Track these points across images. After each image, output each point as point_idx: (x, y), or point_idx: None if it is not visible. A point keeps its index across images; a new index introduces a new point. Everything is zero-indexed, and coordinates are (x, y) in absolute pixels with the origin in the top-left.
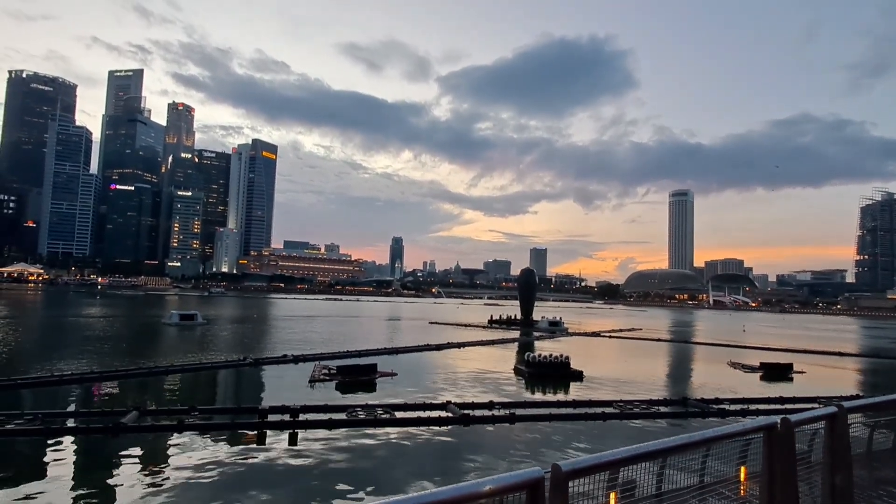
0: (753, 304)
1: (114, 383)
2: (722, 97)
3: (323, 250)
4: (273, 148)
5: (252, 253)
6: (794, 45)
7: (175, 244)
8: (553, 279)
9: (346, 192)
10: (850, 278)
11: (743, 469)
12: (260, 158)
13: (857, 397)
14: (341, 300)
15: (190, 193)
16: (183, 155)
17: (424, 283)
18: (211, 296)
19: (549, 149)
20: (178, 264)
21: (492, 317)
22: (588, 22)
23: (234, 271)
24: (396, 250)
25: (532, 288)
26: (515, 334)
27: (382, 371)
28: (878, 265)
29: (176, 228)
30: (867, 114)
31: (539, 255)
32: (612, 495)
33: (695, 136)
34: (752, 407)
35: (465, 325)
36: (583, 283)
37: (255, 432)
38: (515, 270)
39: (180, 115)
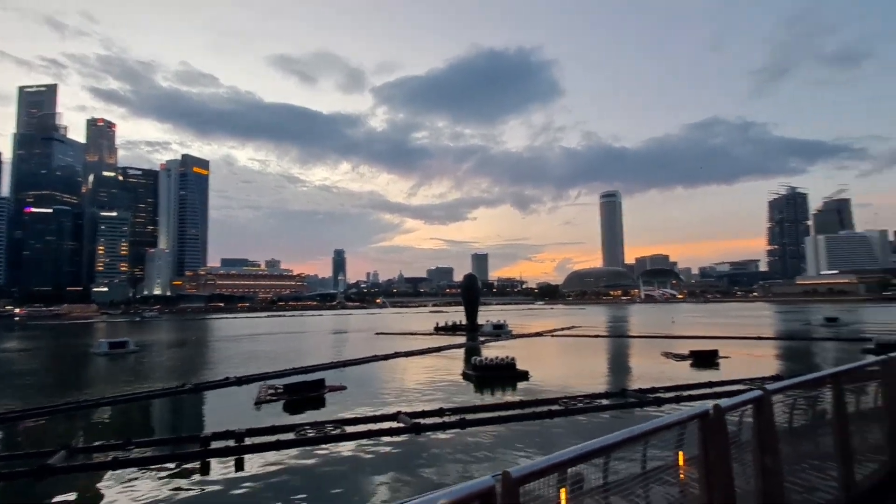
0: (680, 296)
1: (38, 421)
2: (641, 104)
3: (263, 266)
4: (204, 163)
5: (187, 273)
6: (703, 54)
7: (101, 268)
8: (495, 283)
9: (285, 206)
10: (763, 267)
11: (681, 454)
12: (191, 174)
13: (776, 378)
14: (285, 316)
15: (115, 214)
16: (105, 173)
17: (369, 295)
18: (144, 321)
19: (484, 156)
20: (106, 289)
21: (437, 324)
22: (515, 33)
23: (169, 293)
24: (339, 263)
25: (475, 293)
26: (461, 340)
27: (331, 386)
28: (787, 254)
29: (101, 251)
30: (770, 115)
31: (480, 260)
32: (563, 492)
33: (619, 140)
34: (685, 393)
35: (412, 334)
36: (524, 286)
37: (199, 462)
38: (458, 276)
39: (101, 131)
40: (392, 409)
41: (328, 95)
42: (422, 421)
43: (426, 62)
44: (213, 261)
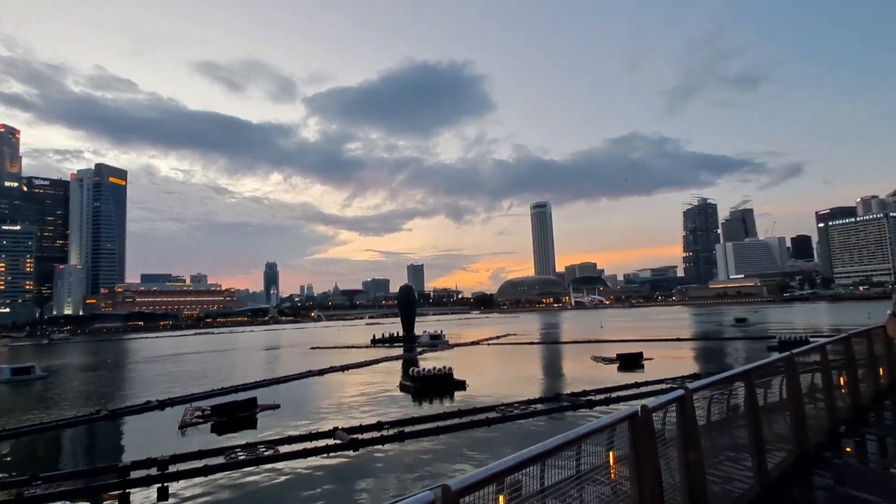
0: (608, 302)
1: None
2: (568, 119)
3: (188, 282)
4: (122, 173)
5: (103, 291)
6: (623, 74)
7: (1, 287)
8: (431, 294)
9: (212, 217)
10: (680, 273)
11: (612, 454)
12: (106, 185)
13: (695, 376)
14: (213, 333)
15: (18, 227)
16: (7, 183)
17: (303, 308)
18: (52, 343)
19: (419, 167)
20: (7, 310)
21: (374, 336)
22: (447, 48)
23: (81, 313)
24: (271, 276)
25: (412, 304)
26: (399, 351)
27: (263, 404)
28: (700, 260)
29: (2, 269)
30: (683, 132)
31: (416, 271)
32: (501, 498)
33: (548, 153)
34: (614, 395)
35: (349, 347)
36: (460, 296)
37: (117, 493)
38: (394, 288)
39: (2, 138)
40: (329, 426)
41: (258, 104)
42: (360, 436)
43: (359, 74)
44: (133, 277)
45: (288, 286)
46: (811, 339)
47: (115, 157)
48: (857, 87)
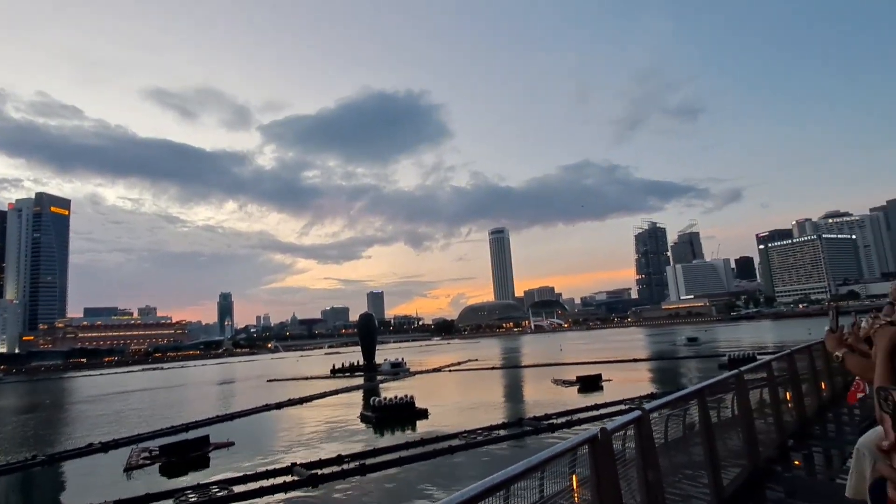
0: (566, 325)
1: None
2: (523, 146)
3: (136, 315)
4: (65, 202)
5: (42, 326)
6: (574, 104)
7: None
8: (392, 321)
9: (162, 248)
10: (634, 295)
11: (574, 478)
12: (48, 215)
13: (652, 396)
14: (163, 369)
15: None
16: None
17: (259, 339)
18: None
19: (377, 195)
20: None
21: (334, 366)
22: (404, 77)
23: (17, 351)
24: (225, 307)
25: (372, 332)
26: (359, 380)
27: (216, 442)
28: (653, 282)
29: None
30: (631, 160)
31: (376, 298)
32: None
33: (504, 179)
34: (575, 417)
35: (307, 378)
36: (420, 322)
37: None
38: (354, 316)
39: None
40: (287, 462)
41: (212, 132)
42: (319, 471)
43: (316, 102)
44: (75, 311)
45: (243, 317)
46: (758, 356)
47: (58, 185)
48: (789, 118)
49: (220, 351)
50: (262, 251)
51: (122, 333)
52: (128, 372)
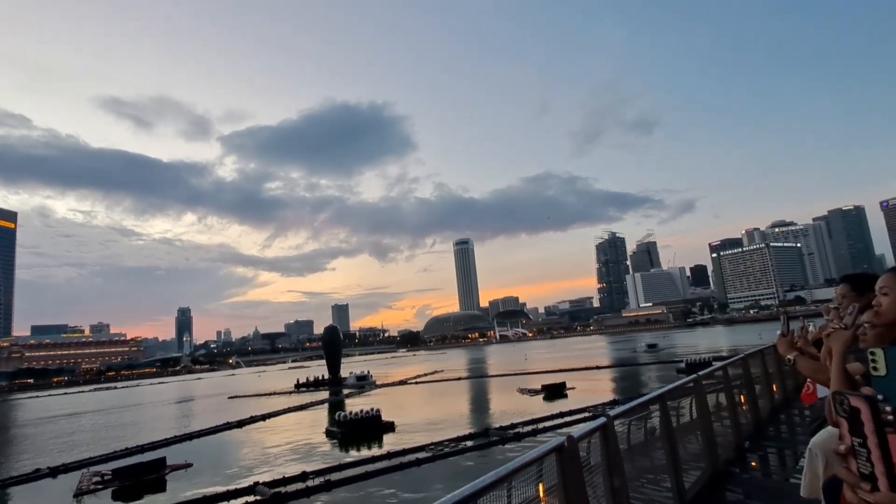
0: (531, 335)
1: None
2: (486, 158)
3: (88, 332)
4: (11, 215)
5: None
6: (535, 116)
7: None
8: (357, 333)
9: (116, 262)
10: (596, 303)
11: (541, 486)
12: None
13: (615, 402)
14: (116, 388)
15: None
16: None
17: (220, 355)
18: None
19: (341, 206)
20: None
21: (298, 380)
22: (367, 89)
23: None
24: (184, 322)
25: (337, 345)
26: (324, 395)
27: (174, 464)
28: (613, 290)
29: None
30: (590, 171)
31: (341, 310)
32: None
33: (468, 191)
34: (541, 426)
35: (270, 394)
36: (386, 334)
37: None
38: (319, 329)
39: None
40: (248, 481)
41: (169, 142)
42: (283, 489)
43: (278, 113)
44: (22, 329)
45: (203, 332)
46: (713, 361)
47: (4, 197)
48: (737, 133)
49: (178, 368)
50: (223, 264)
51: (72, 352)
52: (78, 392)
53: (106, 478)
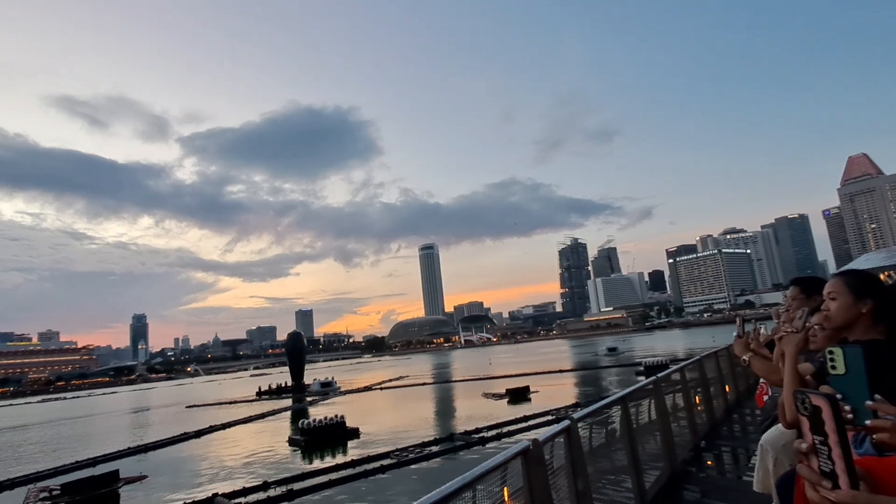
0: (495, 339)
1: None
2: (451, 163)
3: (35, 340)
4: None
5: None
6: (499, 123)
7: None
8: (321, 339)
9: (67, 266)
10: (559, 308)
11: (506, 490)
12: None
13: (577, 405)
14: (66, 398)
15: None
16: None
17: (178, 363)
18: None
19: (306, 211)
20: None
21: (260, 388)
22: (332, 93)
23: None
24: (139, 329)
25: (301, 351)
26: (287, 402)
27: (128, 477)
28: (575, 295)
29: None
30: (553, 178)
31: (305, 316)
32: None
33: (434, 196)
34: (505, 430)
35: (230, 403)
36: (351, 340)
37: None
38: (282, 335)
39: None
40: (207, 493)
41: (125, 143)
42: (243, 500)
43: (241, 115)
44: None
45: (160, 340)
46: (671, 364)
47: None
48: (692, 143)
49: (133, 377)
50: (182, 269)
51: (18, 361)
52: (25, 404)
53: (54, 493)
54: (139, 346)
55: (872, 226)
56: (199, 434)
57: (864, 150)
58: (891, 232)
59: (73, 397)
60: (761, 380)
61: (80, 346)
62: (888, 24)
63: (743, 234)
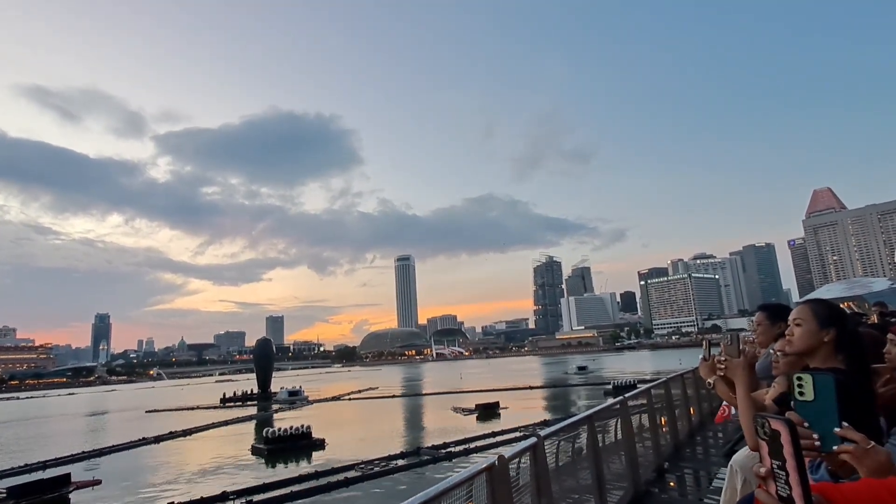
0: (467, 354)
1: None
2: (430, 177)
3: None
4: None
5: None
6: (479, 139)
7: None
8: (291, 347)
9: (29, 261)
10: (532, 325)
11: None
12: None
13: (545, 423)
14: (19, 399)
15: None
16: None
17: (140, 366)
18: None
19: (282, 216)
20: None
21: (224, 394)
22: (314, 100)
23: None
24: (101, 329)
25: (269, 358)
26: (253, 410)
27: (79, 481)
28: (548, 313)
29: None
30: (530, 196)
31: (276, 323)
32: None
33: (411, 208)
34: (473, 445)
35: (193, 409)
36: (321, 349)
37: None
38: (251, 341)
39: None
40: (162, 501)
41: (97, 137)
42: None
43: (219, 116)
44: None
45: (123, 341)
46: (638, 384)
47: None
48: (665, 169)
49: (93, 379)
50: (150, 269)
51: None
52: None
53: (1, 496)
54: (100, 347)
55: (834, 258)
56: (158, 440)
57: (829, 183)
58: (851, 264)
59: (27, 397)
60: (724, 402)
61: (37, 344)
62: (863, 64)
63: (712, 260)
